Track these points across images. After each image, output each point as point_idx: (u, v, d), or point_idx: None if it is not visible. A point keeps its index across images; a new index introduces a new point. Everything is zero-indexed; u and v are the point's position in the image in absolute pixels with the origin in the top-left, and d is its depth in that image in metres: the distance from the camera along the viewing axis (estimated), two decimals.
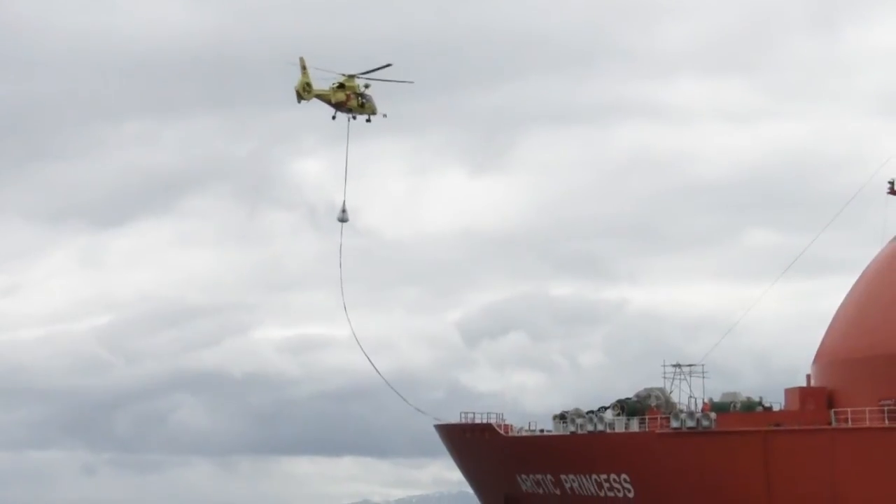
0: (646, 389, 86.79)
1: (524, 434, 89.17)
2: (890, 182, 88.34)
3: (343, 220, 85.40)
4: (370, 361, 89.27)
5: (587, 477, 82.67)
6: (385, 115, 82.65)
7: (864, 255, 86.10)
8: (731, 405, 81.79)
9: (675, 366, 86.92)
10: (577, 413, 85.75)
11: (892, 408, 73.00)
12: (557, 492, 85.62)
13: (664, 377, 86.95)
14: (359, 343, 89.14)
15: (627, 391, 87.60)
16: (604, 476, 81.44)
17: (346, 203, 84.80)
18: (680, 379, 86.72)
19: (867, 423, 72.84)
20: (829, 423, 74.17)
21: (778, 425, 75.86)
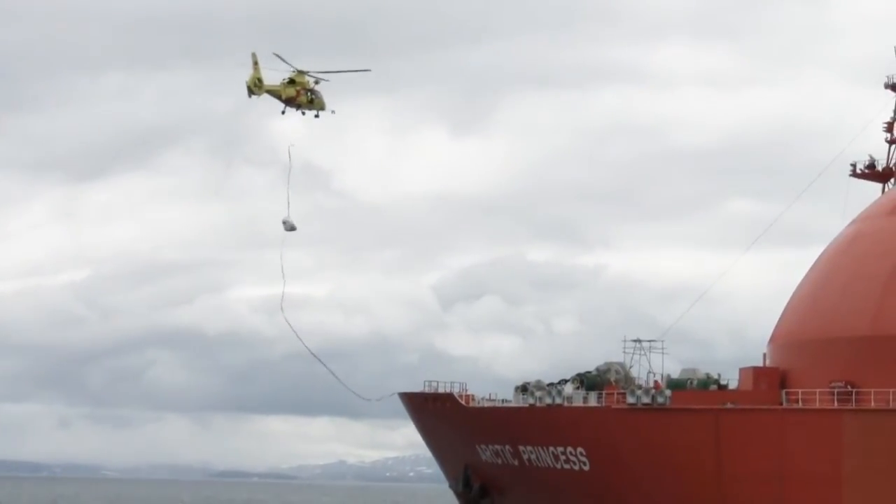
0: (606, 363, 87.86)
1: (485, 405, 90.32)
2: (852, 164, 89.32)
3: (291, 228, 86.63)
4: (301, 340, 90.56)
5: (544, 449, 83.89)
6: (333, 112, 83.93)
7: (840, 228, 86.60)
8: (689, 382, 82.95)
9: (635, 341, 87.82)
10: (538, 385, 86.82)
11: (841, 390, 74.10)
12: (515, 462, 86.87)
13: (624, 352, 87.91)
14: (290, 326, 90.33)
15: (600, 359, 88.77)
16: (560, 449, 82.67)
17: (290, 216, 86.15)
18: (640, 354, 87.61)
19: (817, 405, 74.02)
20: (780, 404, 75.31)
21: (731, 404, 77.01)
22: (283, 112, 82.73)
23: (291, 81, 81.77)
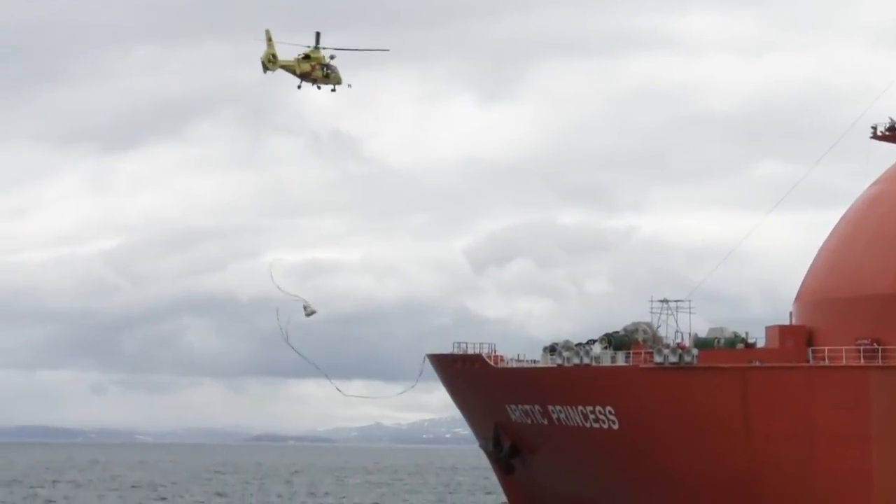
0: (633, 324, 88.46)
1: (514, 366, 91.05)
2: (873, 127, 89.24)
3: (311, 313, 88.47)
4: (291, 345, 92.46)
5: (574, 408, 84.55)
6: (350, 86, 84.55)
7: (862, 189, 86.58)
8: (716, 341, 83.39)
9: (662, 301, 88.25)
10: (566, 346, 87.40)
11: (867, 347, 74.39)
12: (545, 422, 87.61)
13: (652, 312, 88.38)
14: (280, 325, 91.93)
15: (631, 320, 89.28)
16: (590, 408, 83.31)
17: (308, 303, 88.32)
18: (667, 314, 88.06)
19: (843, 362, 74.33)
20: (807, 361, 75.68)
21: (758, 362, 77.41)
22: (298, 87, 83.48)
23: (306, 57, 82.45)
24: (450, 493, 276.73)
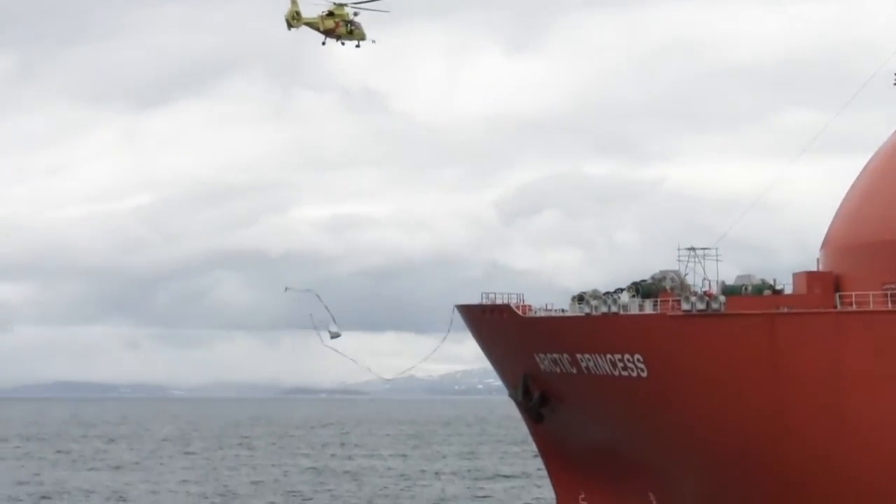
0: (661, 272, 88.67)
1: (542, 315, 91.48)
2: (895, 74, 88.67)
3: (336, 335, 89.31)
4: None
5: (602, 356, 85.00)
6: (374, 41, 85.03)
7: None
8: (743, 288, 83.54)
9: (689, 249, 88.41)
10: (594, 294, 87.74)
11: (895, 292, 74.42)
12: (574, 370, 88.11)
13: (679, 260, 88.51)
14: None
15: (659, 268, 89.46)
16: (618, 356, 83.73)
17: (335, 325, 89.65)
18: (694, 262, 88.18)
19: (871, 307, 74.41)
20: (834, 307, 75.80)
21: (785, 308, 77.54)
22: (323, 43, 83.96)
23: (330, 14, 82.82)
24: (480, 443, 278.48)
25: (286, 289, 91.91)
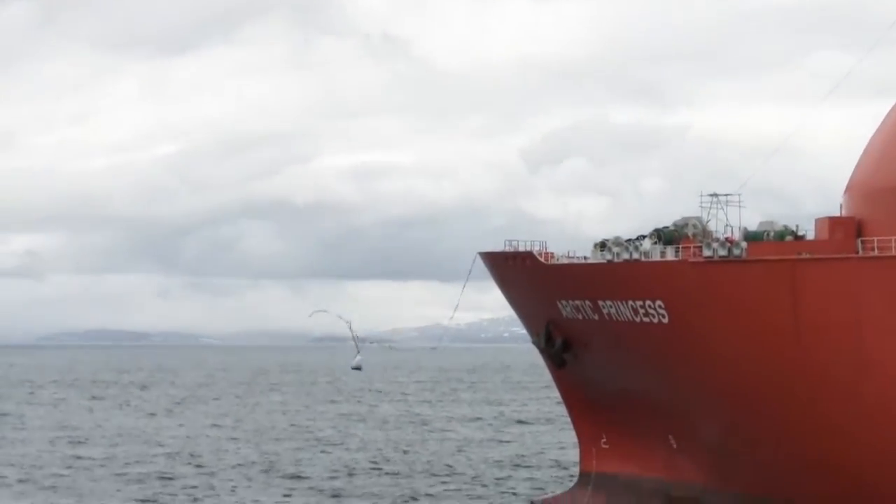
0: (683, 218, 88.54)
1: (564, 262, 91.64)
2: None
3: (357, 367, 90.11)
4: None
5: (624, 303, 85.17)
6: None
7: None
8: (765, 234, 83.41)
9: (712, 195, 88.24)
10: (616, 241, 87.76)
11: None
12: (596, 317, 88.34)
13: (701, 206, 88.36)
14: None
15: (684, 216, 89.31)
16: (639, 302, 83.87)
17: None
18: (717, 208, 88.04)
19: (893, 252, 74.07)
20: (856, 253, 75.55)
21: (807, 254, 77.36)
22: None
23: None
24: (505, 390, 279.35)
25: (313, 313, 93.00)
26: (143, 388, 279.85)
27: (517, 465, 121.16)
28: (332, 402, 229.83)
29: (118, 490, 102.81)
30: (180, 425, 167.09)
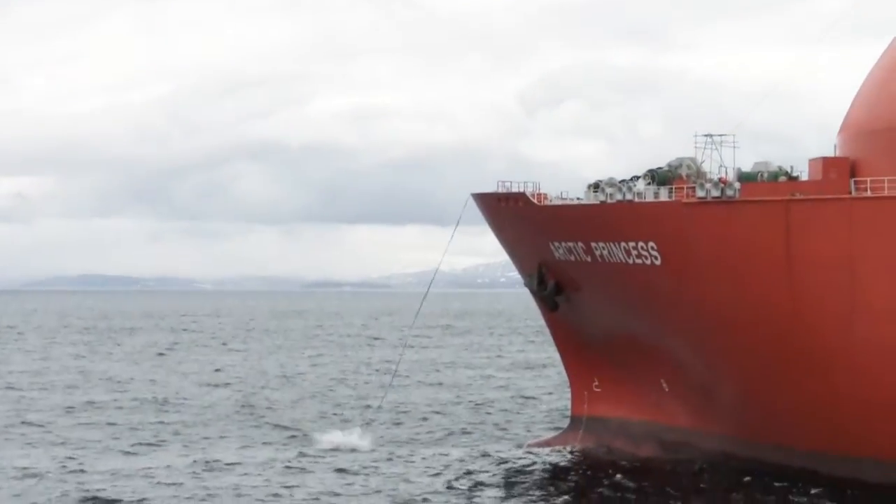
0: (678, 159, 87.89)
1: (557, 203, 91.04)
2: None
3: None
4: None
5: (616, 244, 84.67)
6: None
7: None
8: (759, 175, 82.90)
9: (706, 136, 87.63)
10: (610, 182, 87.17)
11: None
12: (588, 259, 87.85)
13: (696, 147, 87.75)
14: None
15: (678, 156, 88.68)
16: (632, 244, 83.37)
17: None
18: (711, 149, 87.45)
19: (886, 192, 73.67)
20: (849, 193, 75.09)
21: (800, 194, 76.93)
22: None
23: None
24: (501, 334, 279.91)
25: None
26: (141, 330, 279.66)
27: (506, 410, 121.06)
28: (337, 344, 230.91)
29: (112, 436, 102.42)
30: (181, 362, 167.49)
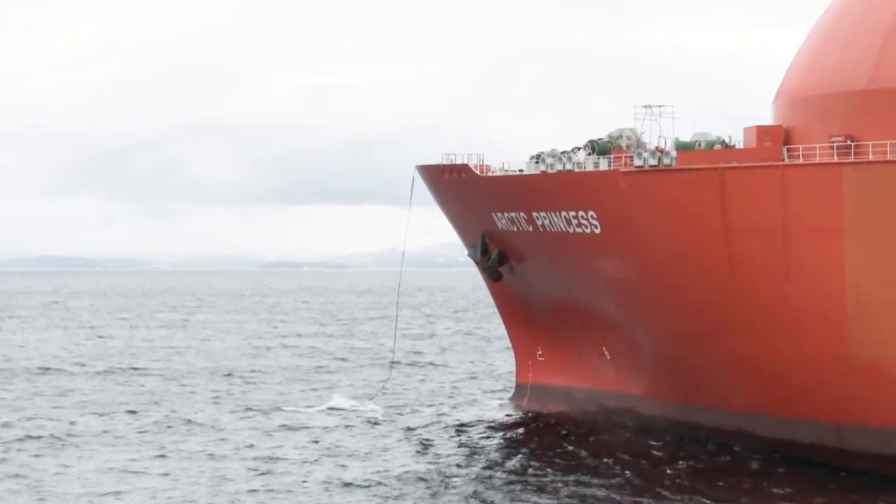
0: (618, 130, 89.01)
1: (499, 174, 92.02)
2: None
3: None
4: None
5: (557, 214, 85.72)
6: None
7: None
8: (696, 144, 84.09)
9: (645, 106, 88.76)
10: (551, 153, 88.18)
11: (840, 144, 74.87)
12: (530, 228, 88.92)
13: (635, 118, 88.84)
14: None
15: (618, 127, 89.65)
16: (572, 213, 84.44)
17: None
18: (650, 120, 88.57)
19: (817, 159, 74.91)
20: (782, 160, 76.28)
21: (735, 162, 78.05)
22: None
23: None
24: (456, 310, 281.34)
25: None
26: (95, 311, 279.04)
27: (454, 382, 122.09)
28: (305, 320, 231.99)
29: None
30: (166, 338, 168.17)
